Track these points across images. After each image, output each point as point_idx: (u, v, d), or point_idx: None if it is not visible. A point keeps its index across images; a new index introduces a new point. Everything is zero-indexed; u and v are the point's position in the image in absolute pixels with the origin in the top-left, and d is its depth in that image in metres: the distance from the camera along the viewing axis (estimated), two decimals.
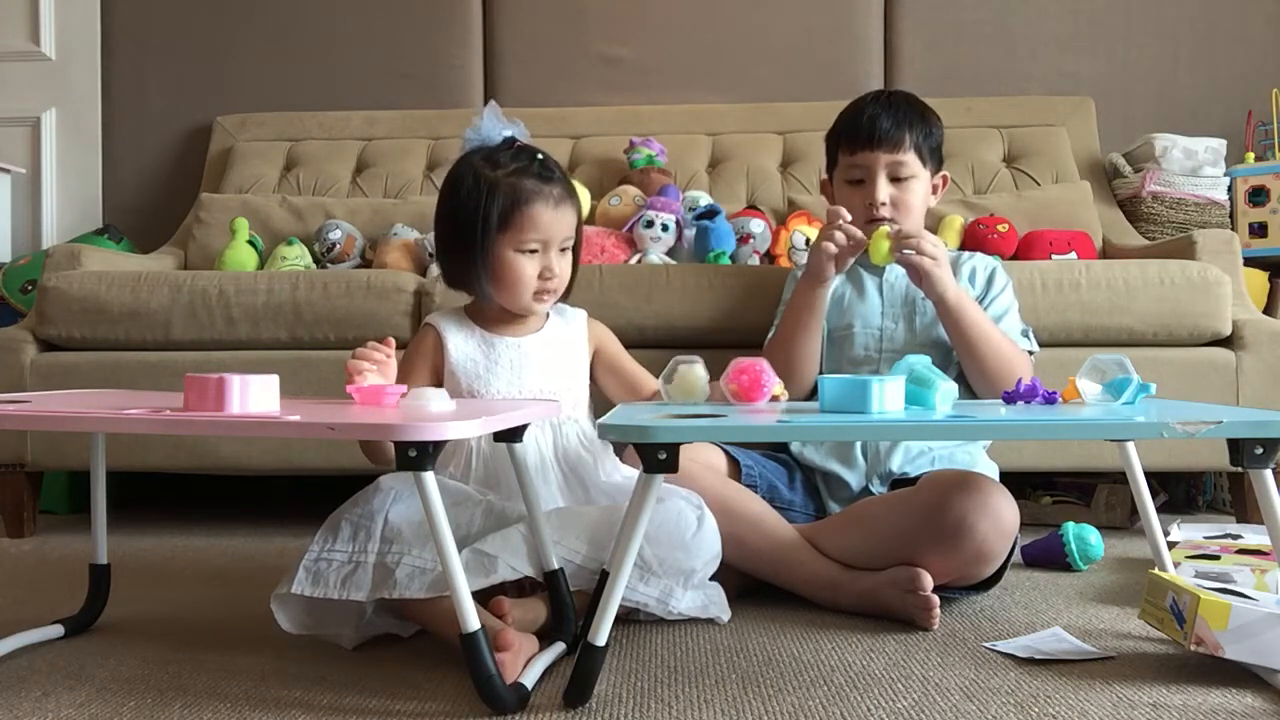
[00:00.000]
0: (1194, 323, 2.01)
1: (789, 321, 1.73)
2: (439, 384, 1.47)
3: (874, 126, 1.71)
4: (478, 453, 1.42)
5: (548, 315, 1.54)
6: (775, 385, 1.26)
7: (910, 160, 1.71)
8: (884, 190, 1.71)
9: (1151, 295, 2.00)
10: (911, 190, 1.72)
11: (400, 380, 1.39)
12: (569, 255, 1.48)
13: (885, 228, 1.63)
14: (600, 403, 1.54)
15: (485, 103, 3.10)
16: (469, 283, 1.47)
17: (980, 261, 1.80)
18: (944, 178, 1.81)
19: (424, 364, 1.48)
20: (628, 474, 1.48)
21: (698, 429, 1.07)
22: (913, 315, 1.74)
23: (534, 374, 1.47)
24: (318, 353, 2.11)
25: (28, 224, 3.16)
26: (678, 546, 1.34)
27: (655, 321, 2.02)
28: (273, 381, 1.08)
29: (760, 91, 3.04)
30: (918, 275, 1.63)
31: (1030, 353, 1.72)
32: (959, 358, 1.67)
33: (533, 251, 1.43)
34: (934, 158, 1.76)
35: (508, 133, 1.48)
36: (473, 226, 1.41)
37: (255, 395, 1.05)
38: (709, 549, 1.38)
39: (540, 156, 1.45)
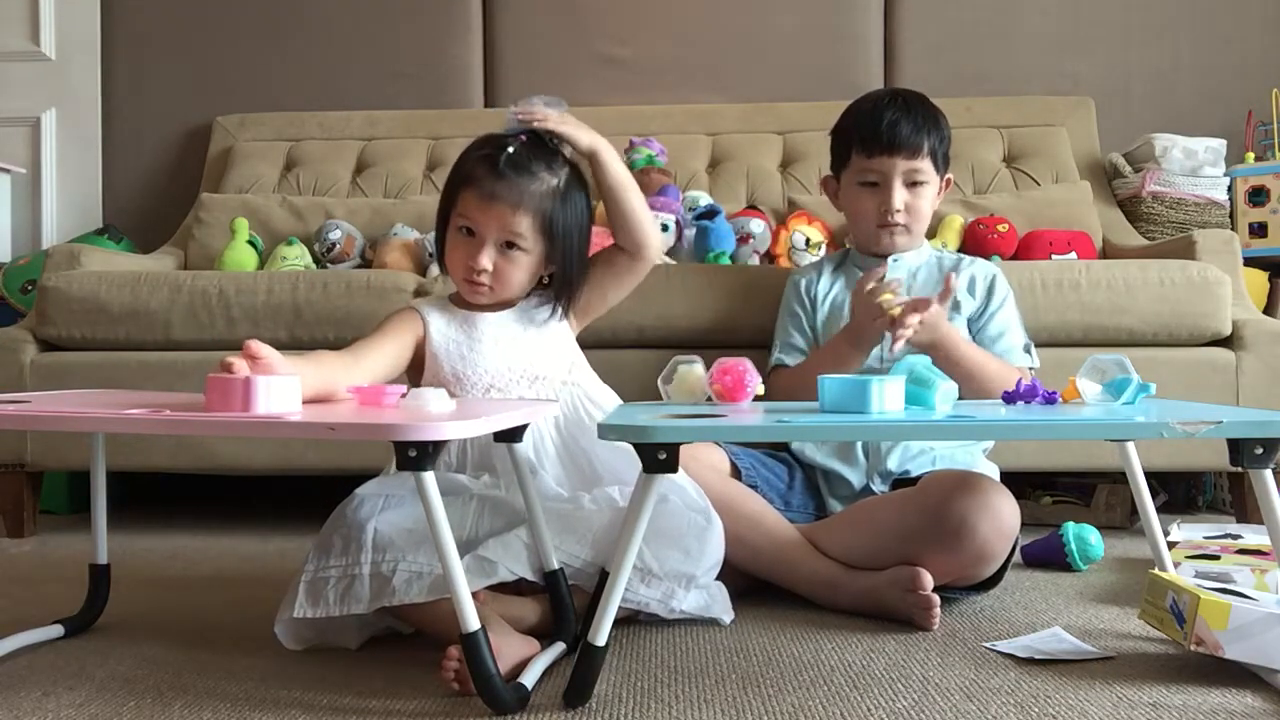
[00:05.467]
0: (1194, 323, 2.01)
1: (835, 368, 1.63)
2: (413, 365, 1.45)
3: (894, 132, 1.69)
4: (471, 438, 1.41)
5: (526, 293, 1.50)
6: (758, 385, 1.26)
7: (925, 167, 1.71)
8: (899, 197, 1.71)
9: (1151, 295, 2.00)
10: (924, 196, 1.73)
11: (362, 350, 1.37)
12: (515, 260, 1.41)
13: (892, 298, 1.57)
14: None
15: (485, 103, 3.13)
16: (442, 257, 1.49)
17: (980, 269, 1.78)
18: (948, 180, 1.80)
19: (401, 335, 1.42)
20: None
21: (697, 429, 1.07)
22: None
23: (519, 347, 1.44)
24: (316, 352, 2.10)
25: (28, 224, 3.16)
26: (680, 551, 1.34)
27: (655, 321, 2.02)
28: (295, 382, 1.07)
29: (760, 91, 3.04)
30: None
31: (1031, 368, 1.71)
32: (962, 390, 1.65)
33: (468, 233, 1.41)
34: (944, 162, 1.75)
35: (532, 127, 1.44)
36: (442, 202, 1.47)
37: (278, 396, 1.04)
38: (711, 556, 1.38)
39: (511, 150, 1.39)
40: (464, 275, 1.43)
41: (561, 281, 1.47)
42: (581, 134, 1.45)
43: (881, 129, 1.70)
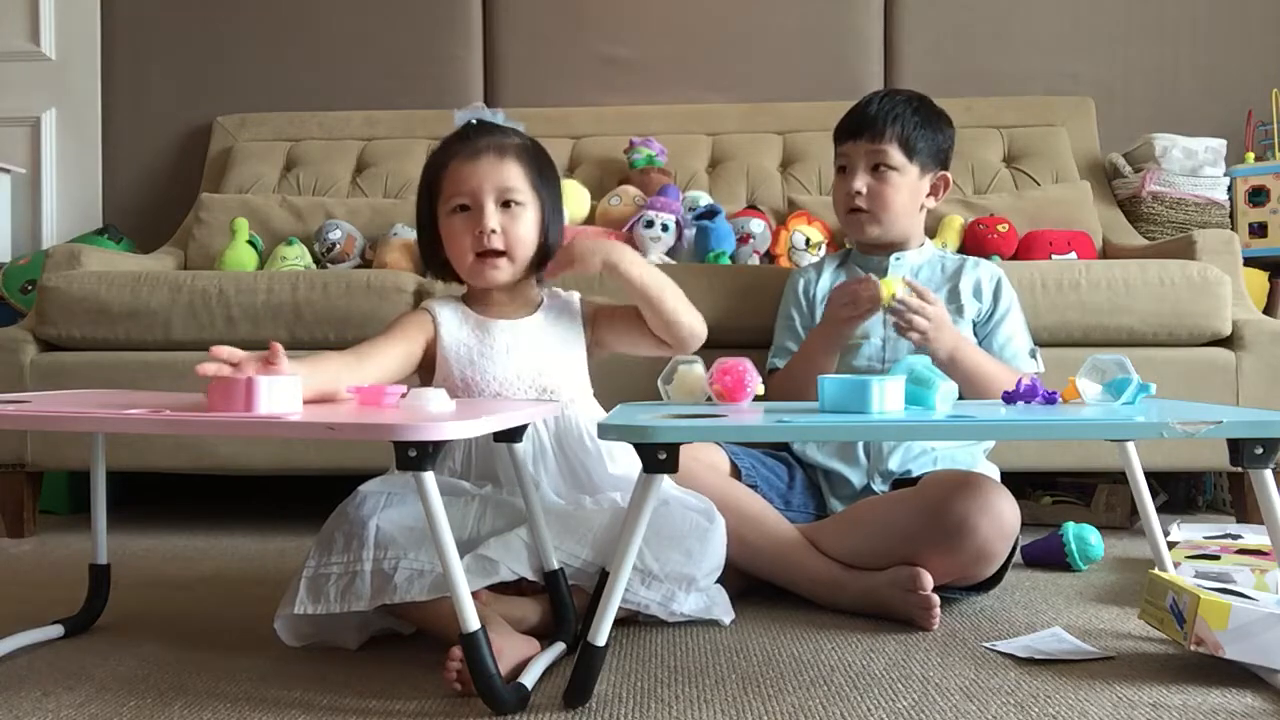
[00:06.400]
0: (1194, 323, 2.01)
1: (807, 366, 1.67)
2: (424, 366, 1.44)
3: (861, 116, 1.73)
4: (476, 447, 1.41)
5: (542, 300, 1.51)
6: (758, 385, 1.26)
7: (891, 151, 1.70)
8: (861, 180, 1.71)
9: (1151, 295, 2.00)
10: (890, 183, 1.71)
11: (368, 351, 1.36)
12: (518, 216, 1.41)
13: (892, 285, 1.59)
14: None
15: (485, 103, 3.12)
16: (435, 264, 1.48)
17: (985, 272, 1.78)
18: (944, 179, 1.78)
19: (410, 336, 1.42)
20: (631, 467, 1.45)
21: (697, 429, 1.07)
22: None
23: (531, 356, 1.43)
24: (318, 353, 2.10)
25: (28, 224, 3.16)
26: (681, 553, 1.34)
27: None
28: (296, 382, 1.07)
29: (760, 91, 3.04)
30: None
31: (1037, 373, 1.71)
32: (963, 393, 1.65)
33: (463, 209, 1.41)
34: (927, 155, 1.73)
35: (480, 116, 1.46)
36: (420, 204, 1.47)
37: (280, 396, 1.04)
38: (712, 560, 1.37)
39: (475, 121, 1.44)
40: (474, 250, 1.41)
41: (542, 249, 1.46)
42: (591, 259, 1.41)
43: (852, 115, 1.74)
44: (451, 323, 1.44)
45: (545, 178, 1.45)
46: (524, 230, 1.42)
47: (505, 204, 1.41)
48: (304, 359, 1.23)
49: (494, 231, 1.39)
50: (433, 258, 1.49)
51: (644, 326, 1.45)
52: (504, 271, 1.42)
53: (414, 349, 1.42)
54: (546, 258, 1.47)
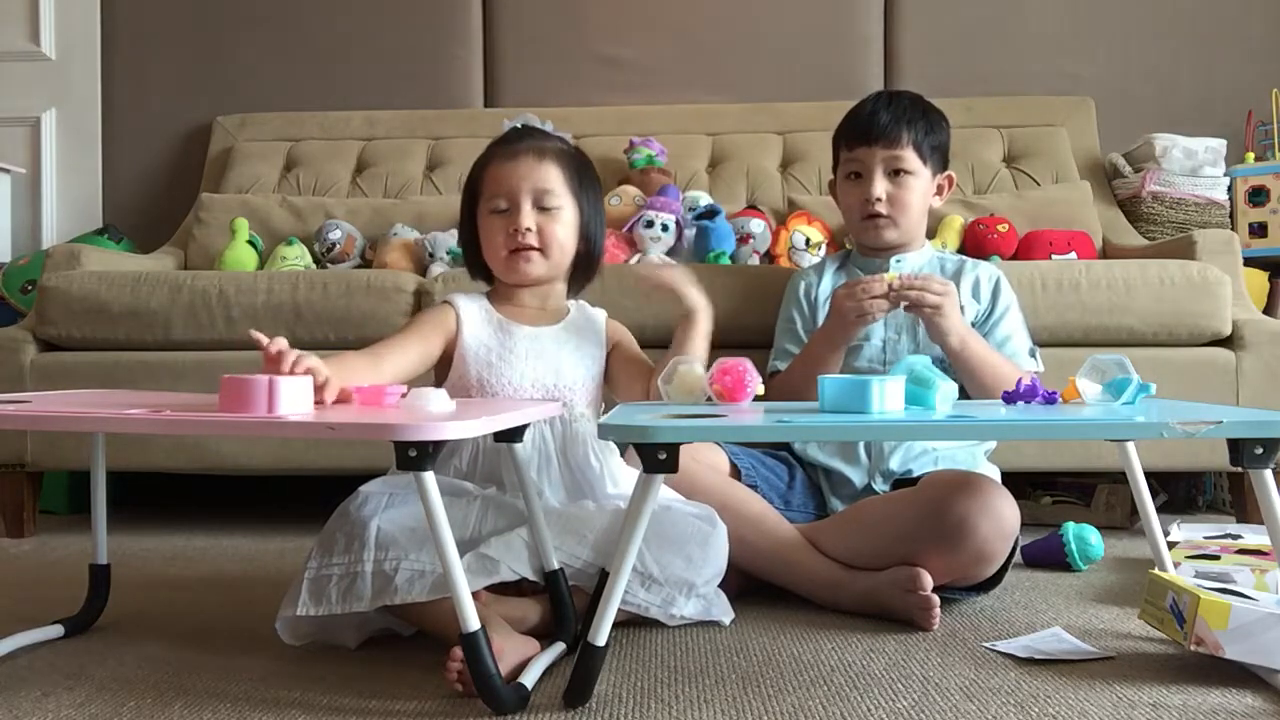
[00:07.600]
0: (1194, 323, 2.01)
1: (809, 368, 1.67)
2: (442, 361, 1.44)
3: (872, 122, 1.72)
4: (482, 449, 1.41)
5: (568, 310, 1.51)
6: (758, 385, 1.26)
7: (908, 156, 1.71)
8: (880, 186, 1.71)
9: (1151, 295, 2.00)
10: (908, 187, 1.72)
11: (384, 351, 1.36)
12: (555, 217, 1.43)
13: (894, 274, 1.61)
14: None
15: (485, 103, 3.14)
16: (475, 263, 1.50)
17: (984, 272, 1.79)
18: (949, 178, 1.80)
19: (427, 335, 1.42)
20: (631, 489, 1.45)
21: (697, 429, 1.07)
22: (915, 326, 1.73)
23: (549, 365, 1.44)
24: (318, 353, 2.10)
25: (28, 224, 3.16)
26: (682, 558, 1.34)
27: (655, 321, 2.00)
28: (307, 383, 1.07)
29: (760, 91, 3.05)
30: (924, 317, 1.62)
31: (1037, 372, 1.71)
32: (965, 386, 1.66)
33: (503, 211, 1.43)
34: (935, 157, 1.75)
35: (527, 123, 1.51)
36: (463, 206, 1.49)
37: (291, 397, 1.04)
38: (713, 566, 1.37)
39: (520, 125, 1.48)
40: (508, 248, 1.42)
41: (585, 258, 1.48)
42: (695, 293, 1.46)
43: (862, 120, 1.74)
44: (475, 320, 1.45)
45: (585, 184, 1.47)
46: (560, 231, 1.43)
47: (543, 207, 1.42)
48: (330, 359, 1.24)
49: (529, 230, 1.41)
50: (474, 259, 1.50)
51: (640, 383, 1.46)
52: (537, 265, 1.43)
53: (432, 347, 1.42)
54: (587, 266, 1.49)
